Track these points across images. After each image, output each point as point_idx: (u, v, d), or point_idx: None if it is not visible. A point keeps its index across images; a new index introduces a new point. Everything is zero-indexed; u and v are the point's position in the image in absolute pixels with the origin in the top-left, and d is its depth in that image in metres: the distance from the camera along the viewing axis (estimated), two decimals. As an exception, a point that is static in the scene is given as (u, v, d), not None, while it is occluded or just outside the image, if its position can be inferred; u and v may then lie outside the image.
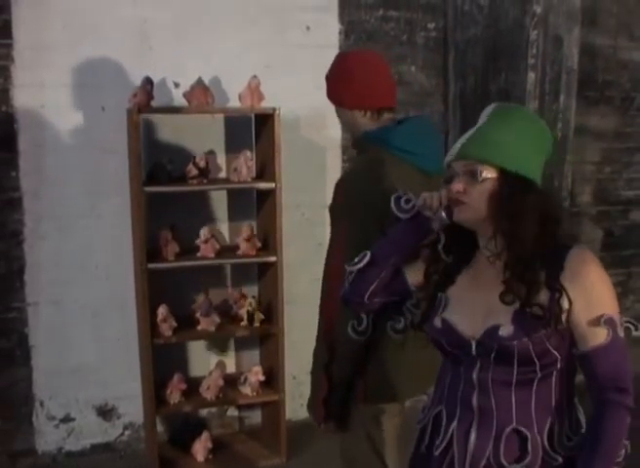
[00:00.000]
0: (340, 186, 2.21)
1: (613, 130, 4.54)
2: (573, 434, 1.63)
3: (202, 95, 3.40)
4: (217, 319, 3.51)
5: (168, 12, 3.52)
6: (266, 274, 3.66)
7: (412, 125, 2.29)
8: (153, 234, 3.41)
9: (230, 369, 3.88)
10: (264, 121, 3.48)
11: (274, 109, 3.36)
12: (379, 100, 2.26)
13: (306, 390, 2.30)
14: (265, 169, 3.54)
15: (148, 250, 3.35)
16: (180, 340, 3.57)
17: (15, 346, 3.53)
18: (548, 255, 1.58)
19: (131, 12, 3.46)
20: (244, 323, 3.56)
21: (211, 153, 3.64)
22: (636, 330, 1.59)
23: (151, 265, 3.34)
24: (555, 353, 1.56)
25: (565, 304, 1.55)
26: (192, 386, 3.55)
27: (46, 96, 3.39)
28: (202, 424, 3.82)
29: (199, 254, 3.46)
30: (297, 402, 3.60)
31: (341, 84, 2.26)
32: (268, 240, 3.56)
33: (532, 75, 3.87)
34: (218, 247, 3.48)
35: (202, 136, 3.64)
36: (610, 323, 1.54)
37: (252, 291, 3.76)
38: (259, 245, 3.54)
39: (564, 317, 1.55)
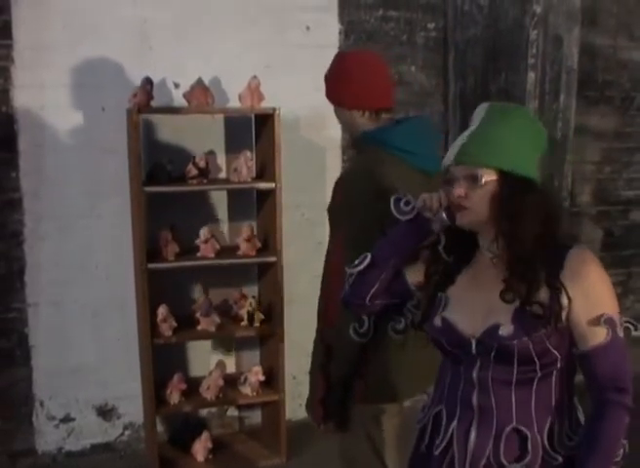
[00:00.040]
0: (338, 186, 2.21)
1: (613, 130, 4.54)
2: (573, 433, 1.63)
3: (202, 95, 3.40)
4: (217, 319, 3.51)
5: (168, 12, 3.52)
6: (266, 274, 3.66)
7: (410, 125, 2.29)
8: (153, 234, 3.41)
9: (230, 369, 3.88)
10: (264, 121, 3.48)
11: (274, 109, 3.36)
12: (377, 101, 2.26)
13: (306, 390, 2.30)
14: (265, 169, 3.54)
15: (148, 250, 3.35)
16: (181, 340, 3.57)
17: (15, 346, 3.53)
18: (548, 255, 1.58)
19: (131, 12, 3.46)
20: (244, 323, 3.56)
21: (211, 153, 3.64)
22: (636, 329, 1.60)
23: (151, 265, 3.34)
24: (555, 352, 1.56)
25: (564, 302, 1.55)
26: (192, 386, 3.55)
27: (46, 96, 3.39)
28: (202, 424, 3.82)
29: (199, 255, 3.46)
30: (296, 402, 3.60)
31: (340, 84, 2.26)
32: (268, 240, 3.56)
33: (532, 75, 3.87)
34: (218, 247, 3.48)
35: (202, 137, 3.64)
36: (609, 322, 1.55)
37: (252, 291, 3.76)
38: (259, 245, 3.54)
39: (564, 315, 1.56)
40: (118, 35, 3.44)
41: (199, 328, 3.51)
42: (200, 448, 3.55)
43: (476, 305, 1.64)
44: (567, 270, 1.56)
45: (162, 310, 3.39)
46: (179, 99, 3.51)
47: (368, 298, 1.79)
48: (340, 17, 3.81)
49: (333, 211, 2.22)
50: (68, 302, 3.57)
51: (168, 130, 3.59)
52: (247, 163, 3.51)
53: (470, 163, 1.59)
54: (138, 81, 3.35)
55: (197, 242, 3.45)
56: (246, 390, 3.60)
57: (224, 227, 3.76)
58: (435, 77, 4.05)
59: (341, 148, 3.86)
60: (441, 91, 4.07)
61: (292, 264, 3.55)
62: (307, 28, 3.76)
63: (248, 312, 3.55)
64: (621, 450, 1.56)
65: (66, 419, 3.66)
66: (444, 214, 1.65)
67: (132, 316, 3.57)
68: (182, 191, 3.47)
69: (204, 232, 3.45)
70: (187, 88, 3.41)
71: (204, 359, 3.81)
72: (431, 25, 3.99)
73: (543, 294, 1.56)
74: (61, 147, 3.47)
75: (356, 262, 1.79)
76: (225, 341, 3.85)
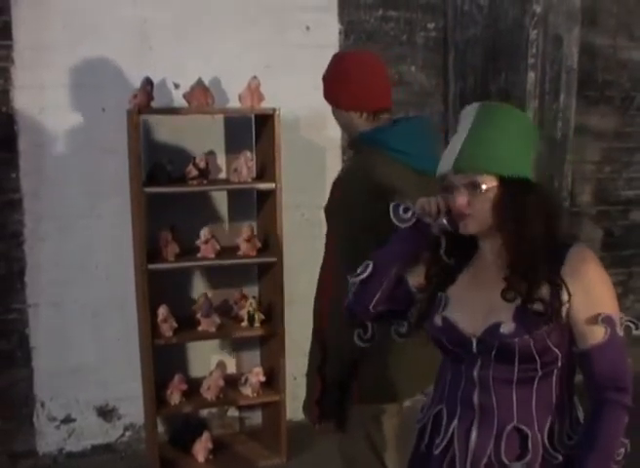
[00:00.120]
0: (335, 186, 2.21)
1: (613, 129, 4.54)
2: (572, 432, 1.63)
3: (202, 95, 3.40)
4: (217, 319, 3.50)
5: (168, 12, 3.52)
6: (267, 274, 3.66)
7: (407, 125, 2.29)
8: (153, 235, 3.41)
9: (231, 369, 3.88)
10: (264, 121, 3.48)
11: (274, 110, 3.36)
12: (375, 102, 2.25)
13: (305, 391, 2.31)
14: (265, 169, 3.54)
15: (148, 250, 3.35)
16: (181, 341, 3.56)
17: (15, 347, 3.52)
18: (549, 253, 1.58)
19: (131, 12, 3.46)
20: (244, 323, 3.56)
21: (211, 154, 3.64)
22: (637, 328, 1.59)
23: (151, 266, 3.34)
24: (556, 350, 1.56)
25: (565, 297, 1.55)
26: (193, 387, 3.54)
27: (46, 96, 3.39)
28: (202, 425, 3.82)
29: (199, 255, 3.46)
30: (297, 402, 3.55)
31: (338, 85, 2.26)
32: (269, 240, 3.56)
33: (532, 75, 3.88)
34: (218, 247, 3.48)
35: (202, 137, 3.64)
36: (608, 321, 1.55)
37: (252, 291, 3.76)
38: (259, 245, 3.54)
39: (564, 311, 1.56)
40: (118, 35, 3.44)
41: (199, 328, 3.50)
42: (200, 448, 3.55)
43: (476, 304, 1.64)
44: (567, 267, 1.56)
45: (162, 311, 3.39)
46: (179, 100, 3.51)
47: (371, 306, 1.78)
48: (339, 17, 3.81)
49: (329, 210, 2.22)
50: (68, 303, 3.57)
51: (168, 130, 3.59)
52: (247, 163, 3.51)
53: (470, 171, 1.58)
54: (138, 81, 3.35)
55: (197, 242, 3.45)
56: (246, 391, 3.60)
57: (225, 228, 3.76)
58: (435, 77, 4.05)
59: (341, 148, 3.85)
60: (441, 91, 4.07)
61: (292, 264, 3.55)
62: (307, 28, 3.76)
63: (248, 312, 3.54)
64: (622, 450, 1.56)
65: (67, 420, 3.66)
66: (445, 221, 1.64)
67: (132, 316, 3.57)
68: (182, 192, 3.46)
69: (204, 233, 3.45)
70: (187, 88, 3.41)
71: (204, 359, 3.80)
72: (431, 25, 3.99)
73: (544, 291, 1.56)
74: (62, 148, 3.47)
75: (358, 271, 1.78)
76: (226, 342, 3.85)
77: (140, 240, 3.32)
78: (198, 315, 3.50)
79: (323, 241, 2.28)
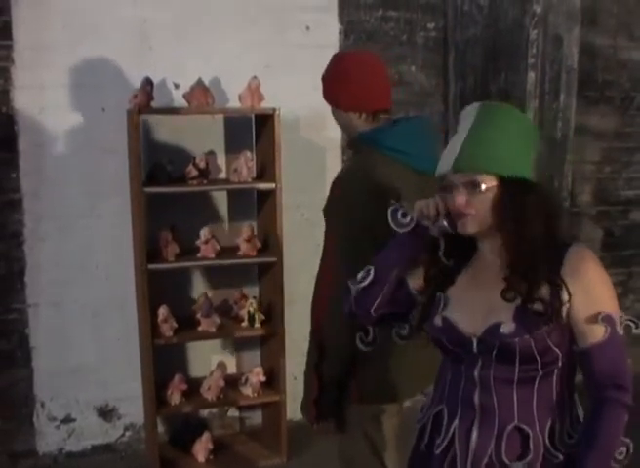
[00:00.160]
0: (335, 186, 2.21)
1: (613, 129, 4.54)
2: (573, 431, 1.64)
3: (202, 95, 3.40)
4: (217, 320, 3.50)
5: (168, 12, 3.52)
6: (267, 274, 3.66)
7: (406, 125, 2.28)
8: (153, 235, 3.41)
9: (231, 369, 3.88)
10: (264, 121, 3.48)
11: (274, 110, 3.36)
12: (374, 103, 2.25)
13: (305, 391, 2.31)
14: (265, 169, 3.53)
15: (148, 250, 3.35)
16: (181, 341, 3.56)
17: (15, 347, 3.52)
18: (549, 253, 1.58)
19: (131, 12, 3.46)
20: (245, 323, 3.56)
21: (211, 154, 3.64)
22: (636, 327, 1.59)
23: (151, 266, 3.34)
24: (556, 350, 1.57)
25: (565, 298, 1.55)
26: (193, 387, 3.55)
27: (46, 96, 3.39)
28: (203, 425, 3.82)
29: (199, 255, 3.46)
30: (297, 402, 3.54)
31: (337, 86, 2.25)
32: (269, 240, 3.56)
33: (532, 75, 3.87)
34: (218, 247, 3.48)
35: (202, 137, 3.64)
36: (608, 320, 1.55)
37: (252, 291, 3.76)
38: (259, 245, 3.54)
39: (564, 311, 1.56)
40: (118, 35, 3.44)
41: (200, 328, 3.50)
42: (201, 448, 3.55)
43: (476, 304, 1.64)
44: (567, 267, 1.57)
45: (162, 311, 3.39)
46: (179, 100, 3.51)
47: (373, 310, 1.77)
48: (339, 17, 3.81)
49: (328, 210, 2.22)
50: (68, 303, 3.57)
51: (168, 130, 3.59)
52: (247, 163, 3.51)
53: (469, 170, 1.58)
54: (138, 81, 3.35)
55: (197, 242, 3.45)
56: (247, 391, 3.60)
57: (225, 228, 3.76)
58: (435, 77, 4.05)
59: (341, 148, 3.85)
60: (441, 91, 4.07)
61: (292, 264, 3.55)
62: (307, 28, 3.76)
63: (248, 312, 3.54)
64: (623, 448, 1.56)
65: (67, 420, 3.66)
66: (445, 223, 1.64)
67: (132, 316, 3.57)
68: (182, 192, 3.46)
69: (204, 233, 3.45)
70: (187, 88, 3.41)
71: (204, 359, 3.80)
72: (431, 25, 3.99)
73: (544, 291, 1.56)
74: (62, 148, 3.47)
75: (359, 277, 1.78)
76: (226, 342, 3.85)
77: (140, 240, 3.32)
78: (198, 315, 3.50)
79: (322, 241, 2.28)
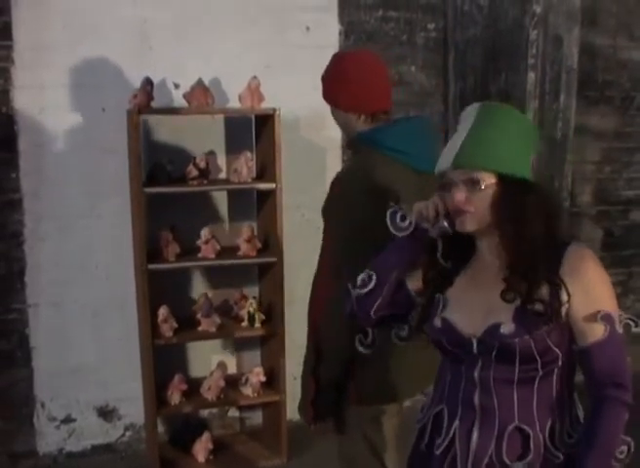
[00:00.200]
0: (334, 186, 2.21)
1: (613, 129, 4.54)
2: (573, 431, 1.64)
3: (202, 95, 3.40)
4: (217, 320, 3.50)
5: (168, 12, 3.52)
6: (267, 275, 3.66)
7: (406, 125, 2.28)
8: (153, 235, 3.41)
9: (231, 369, 3.88)
10: (265, 122, 3.48)
11: (274, 110, 3.36)
12: (374, 103, 2.24)
13: (305, 391, 2.31)
14: (266, 169, 3.53)
15: (149, 250, 3.35)
16: (181, 341, 3.56)
17: (15, 347, 3.52)
18: (548, 253, 1.58)
19: (131, 12, 3.46)
20: (245, 323, 3.56)
21: (211, 154, 3.64)
22: (636, 326, 1.59)
23: (152, 266, 3.34)
24: (556, 350, 1.57)
25: (564, 298, 1.55)
26: (193, 387, 3.55)
27: (46, 96, 3.39)
28: (203, 425, 3.82)
29: (200, 255, 3.46)
30: (297, 402, 3.60)
31: (337, 85, 2.25)
32: (269, 240, 3.56)
33: (532, 75, 3.87)
34: (218, 247, 3.48)
35: (202, 137, 3.64)
36: (607, 319, 1.55)
37: (252, 291, 3.76)
38: (259, 245, 3.54)
39: (563, 311, 1.56)
40: (118, 35, 3.44)
41: (200, 328, 3.50)
42: (201, 448, 3.55)
43: (475, 305, 1.64)
44: (566, 267, 1.57)
45: (163, 311, 3.39)
46: (179, 100, 3.51)
47: (373, 312, 1.77)
48: (339, 17, 3.81)
49: (327, 210, 2.22)
50: (68, 303, 3.57)
51: (168, 130, 3.59)
52: (247, 163, 3.51)
53: (469, 167, 1.58)
54: (138, 81, 3.35)
55: (198, 243, 3.45)
56: (247, 391, 3.60)
57: (225, 228, 3.76)
58: (435, 77, 4.05)
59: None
60: (441, 91, 4.07)
61: (292, 265, 3.55)
62: (307, 29, 3.76)
63: (248, 313, 3.54)
64: (624, 447, 1.56)
65: (67, 420, 3.66)
66: (445, 223, 1.63)
67: (132, 316, 3.57)
68: (183, 192, 3.46)
69: (204, 233, 3.45)
70: (187, 88, 3.41)
71: (205, 359, 3.80)
72: (431, 26, 3.99)
73: (544, 291, 1.56)
74: (62, 148, 3.47)
75: (360, 282, 1.77)
76: (226, 342, 3.85)
77: (140, 240, 3.32)
78: (198, 315, 3.50)
79: (322, 241, 2.28)
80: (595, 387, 1.58)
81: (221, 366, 3.80)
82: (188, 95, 3.40)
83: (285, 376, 3.54)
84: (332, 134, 3.71)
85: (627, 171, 4.66)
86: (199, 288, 3.73)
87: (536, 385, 1.60)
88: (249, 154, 3.54)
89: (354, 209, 2.10)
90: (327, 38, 3.77)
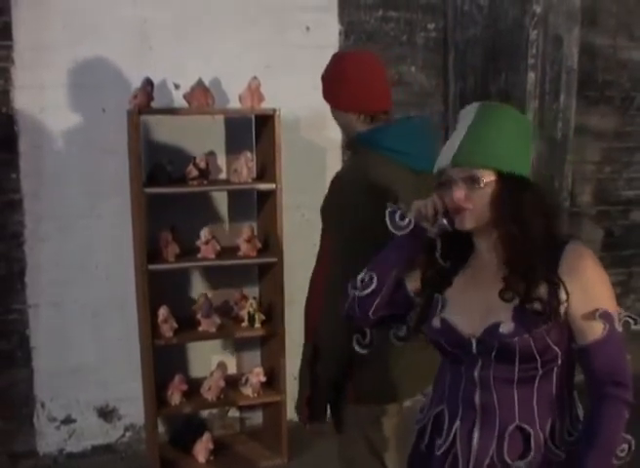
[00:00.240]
0: (334, 185, 2.21)
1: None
2: (573, 429, 1.64)
3: (202, 96, 3.40)
4: (217, 320, 3.50)
5: (168, 12, 3.52)
6: (267, 275, 3.66)
7: (405, 125, 2.28)
8: (153, 235, 3.41)
9: (231, 370, 3.88)
10: (265, 122, 3.48)
11: (274, 110, 3.36)
12: (373, 104, 2.24)
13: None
14: (266, 170, 3.53)
15: (149, 251, 3.35)
16: (181, 341, 3.56)
17: (15, 348, 3.52)
18: (546, 251, 1.58)
19: (131, 12, 3.46)
20: (245, 324, 3.56)
21: (211, 154, 3.64)
22: (635, 324, 1.59)
23: (152, 266, 3.34)
24: (555, 348, 1.57)
25: (563, 296, 1.55)
26: (193, 387, 3.55)
27: (46, 97, 3.39)
28: (203, 425, 3.82)
29: (200, 256, 3.46)
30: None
31: (337, 85, 2.25)
32: (269, 241, 3.56)
33: (532, 75, 3.87)
34: (218, 248, 3.48)
35: (202, 138, 3.64)
36: (606, 317, 1.55)
37: (252, 292, 3.76)
38: (259, 246, 3.54)
39: (562, 309, 1.56)
40: (118, 35, 3.44)
41: (200, 329, 3.50)
42: (201, 448, 3.55)
43: (474, 305, 1.64)
44: (564, 265, 1.57)
45: (163, 311, 3.39)
46: (179, 100, 3.51)
47: (371, 312, 1.77)
48: (339, 17, 3.81)
49: (326, 210, 2.23)
50: (68, 303, 3.57)
51: (168, 131, 3.59)
52: (247, 164, 3.51)
53: (469, 164, 1.58)
54: (138, 81, 3.35)
55: (198, 243, 3.45)
56: (247, 391, 3.60)
57: (225, 228, 3.76)
58: (435, 77, 4.05)
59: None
60: (441, 91, 4.07)
61: (292, 265, 3.54)
62: (307, 29, 3.76)
63: (249, 313, 3.54)
64: (625, 445, 1.55)
65: (67, 421, 3.66)
66: (445, 221, 1.64)
67: (132, 316, 3.57)
68: (183, 192, 3.46)
69: (204, 233, 3.45)
70: (188, 89, 3.41)
71: (205, 360, 3.80)
72: (431, 26, 3.99)
73: (542, 290, 1.56)
74: (62, 148, 3.47)
75: (359, 282, 1.77)
76: (226, 342, 3.85)
77: (140, 240, 3.32)
78: (198, 315, 3.50)
79: (322, 241, 2.28)
80: (595, 386, 1.57)
81: (222, 366, 3.80)
82: (188, 95, 3.40)
83: (285, 377, 3.54)
84: (332, 134, 3.71)
85: (627, 171, 4.66)
86: (199, 288, 3.73)
87: (536, 384, 1.60)
88: (249, 154, 3.54)
89: (353, 209, 2.10)
90: (327, 38, 3.77)
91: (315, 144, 3.83)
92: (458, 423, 1.66)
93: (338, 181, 2.21)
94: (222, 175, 3.72)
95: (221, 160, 3.71)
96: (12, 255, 3.46)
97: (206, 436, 3.57)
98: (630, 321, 1.59)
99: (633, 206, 4.71)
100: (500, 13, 3.89)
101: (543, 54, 3.88)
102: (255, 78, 3.46)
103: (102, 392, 3.67)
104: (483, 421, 1.62)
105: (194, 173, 3.41)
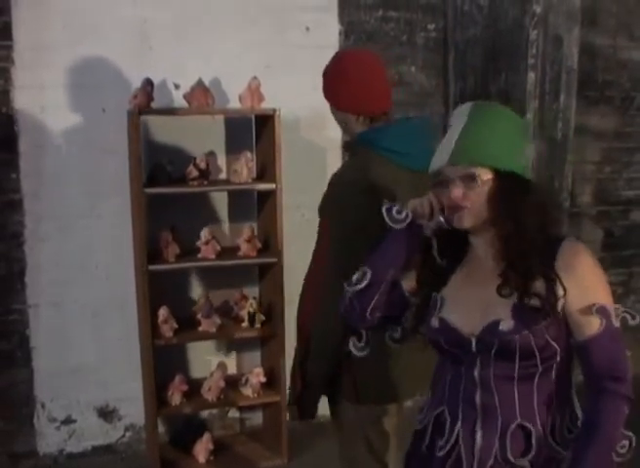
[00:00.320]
0: (332, 184, 2.21)
1: (613, 130, 4.54)
2: (573, 426, 1.64)
3: (202, 96, 3.40)
4: (217, 320, 3.50)
5: (168, 12, 3.52)
6: (267, 275, 3.66)
7: (404, 126, 2.29)
8: (154, 235, 3.41)
9: (231, 370, 3.88)
10: (265, 122, 3.48)
11: (274, 110, 3.36)
12: (373, 104, 2.24)
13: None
14: (266, 170, 3.53)
15: (149, 251, 3.34)
16: (181, 342, 3.56)
17: (15, 348, 3.52)
18: (542, 248, 1.59)
19: (131, 12, 3.46)
20: (245, 324, 3.56)
21: (211, 154, 3.64)
22: (633, 319, 1.59)
23: (152, 267, 3.33)
24: (554, 345, 1.57)
25: (560, 292, 1.56)
26: (193, 387, 3.54)
27: (46, 97, 3.39)
28: (203, 425, 3.82)
29: (200, 256, 3.46)
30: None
31: (336, 84, 2.25)
32: (269, 241, 3.56)
33: (532, 75, 3.88)
34: (218, 248, 3.48)
35: (202, 138, 3.64)
36: (602, 312, 1.55)
37: (253, 292, 3.76)
38: (259, 246, 3.54)
39: (559, 305, 1.56)
40: (118, 35, 3.44)
41: (200, 329, 3.50)
42: (201, 449, 3.55)
43: (472, 303, 1.64)
44: (560, 261, 1.57)
45: (163, 311, 3.39)
46: (179, 100, 3.51)
47: (368, 312, 1.76)
48: (339, 17, 3.81)
49: (323, 209, 2.23)
50: (69, 303, 3.56)
51: (168, 131, 3.59)
52: (247, 164, 3.51)
53: (466, 162, 1.59)
54: (138, 81, 3.35)
55: (198, 243, 3.45)
56: (247, 391, 3.60)
57: (225, 228, 3.76)
58: (435, 77, 4.05)
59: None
60: (441, 91, 4.07)
61: (292, 265, 3.53)
62: (307, 29, 3.76)
63: (249, 313, 3.54)
64: (625, 442, 1.55)
65: (67, 421, 3.66)
66: (442, 218, 1.64)
67: (132, 316, 3.56)
68: (183, 192, 3.46)
69: (205, 233, 3.44)
70: (188, 89, 3.41)
71: (205, 360, 3.80)
72: (431, 26, 3.99)
73: (539, 286, 1.56)
74: (62, 148, 3.47)
75: (354, 279, 1.76)
76: (226, 343, 3.85)
77: (140, 241, 3.32)
78: (198, 316, 3.50)
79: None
80: (593, 381, 1.57)
81: (222, 366, 3.80)
82: (188, 95, 3.40)
83: (285, 377, 3.53)
84: (332, 134, 3.71)
85: (627, 171, 4.66)
86: (199, 288, 3.72)
87: (535, 381, 1.60)
88: (249, 154, 3.54)
89: (351, 209, 2.10)
90: (327, 38, 3.77)
91: (315, 144, 3.83)
92: (459, 424, 1.65)
93: (335, 182, 2.21)
94: (223, 176, 3.72)
95: (221, 160, 3.71)
96: (12, 255, 3.46)
97: (206, 436, 3.56)
98: (628, 316, 1.59)
99: (633, 206, 4.71)
100: (500, 13, 3.90)
101: (543, 54, 3.89)
102: (255, 78, 3.46)
103: (103, 392, 3.67)
104: (484, 421, 1.62)
105: (194, 173, 3.41)
